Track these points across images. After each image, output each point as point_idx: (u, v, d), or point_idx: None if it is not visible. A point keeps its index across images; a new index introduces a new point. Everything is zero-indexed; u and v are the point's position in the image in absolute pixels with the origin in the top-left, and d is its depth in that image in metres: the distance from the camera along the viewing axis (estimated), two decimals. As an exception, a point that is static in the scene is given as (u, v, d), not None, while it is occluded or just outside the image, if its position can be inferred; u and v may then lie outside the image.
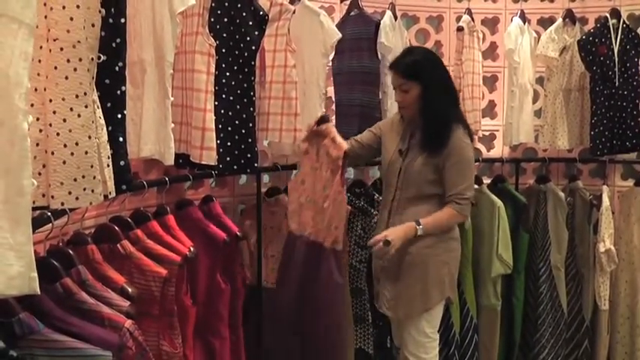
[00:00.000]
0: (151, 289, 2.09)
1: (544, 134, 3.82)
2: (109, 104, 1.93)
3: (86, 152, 1.57)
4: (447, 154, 2.69)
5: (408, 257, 2.75)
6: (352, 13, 3.42)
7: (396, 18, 3.47)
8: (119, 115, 1.97)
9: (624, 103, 3.71)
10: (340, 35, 3.18)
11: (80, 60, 1.55)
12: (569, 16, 3.82)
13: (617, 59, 3.67)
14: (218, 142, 2.67)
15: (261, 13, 2.70)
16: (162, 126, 2.40)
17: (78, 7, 1.55)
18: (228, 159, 2.73)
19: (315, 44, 3.13)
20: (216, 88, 2.66)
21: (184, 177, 2.77)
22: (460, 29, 3.54)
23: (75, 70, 1.54)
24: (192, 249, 2.36)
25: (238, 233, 2.73)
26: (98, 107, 1.69)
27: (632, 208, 3.78)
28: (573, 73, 3.80)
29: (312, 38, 3.12)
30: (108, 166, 1.70)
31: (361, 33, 3.38)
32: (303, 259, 2.89)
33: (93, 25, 1.61)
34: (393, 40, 3.38)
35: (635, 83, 3.72)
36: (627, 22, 3.74)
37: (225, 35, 2.69)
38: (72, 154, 1.55)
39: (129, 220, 2.30)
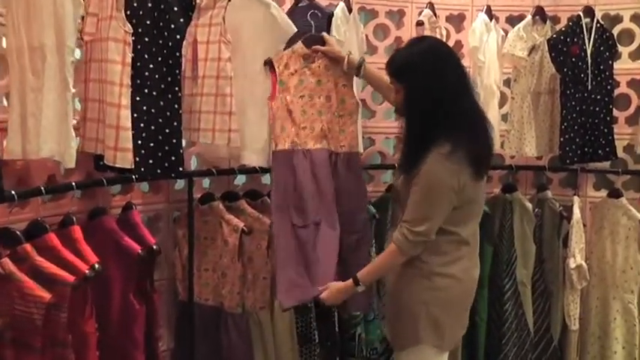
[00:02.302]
0: (32, 317, 1.79)
1: (510, 140, 3.59)
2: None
3: None
4: (416, 176, 2.27)
5: (387, 288, 2.49)
6: (301, 4, 3.13)
7: (350, 11, 3.19)
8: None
9: (597, 108, 3.51)
10: (296, 30, 2.89)
11: None
12: (540, 14, 3.59)
13: (589, 61, 3.47)
14: (140, 142, 2.42)
15: (187, -2, 2.43)
16: (63, 122, 2.12)
17: None
18: (151, 161, 2.46)
19: (263, 39, 2.82)
20: (138, 81, 2.41)
21: (97, 182, 2.47)
22: (420, 24, 3.28)
23: None
24: (96, 266, 2.05)
25: (154, 246, 2.42)
26: None
27: (604, 220, 3.57)
28: (543, 74, 3.57)
29: (261, 32, 2.81)
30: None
31: (313, 17, 3.09)
32: None
33: None
34: (345, 34, 3.10)
35: (608, 87, 3.53)
36: (601, 22, 3.52)
37: (149, 22, 2.42)
38: None
39: (18, 232, 1.98)
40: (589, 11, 3.50)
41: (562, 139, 3.47)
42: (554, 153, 3.63)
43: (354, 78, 2.92)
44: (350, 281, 2.41)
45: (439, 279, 2.34)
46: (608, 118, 3.53)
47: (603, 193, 3.67)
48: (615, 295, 3.52)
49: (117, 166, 2.32)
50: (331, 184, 2.75)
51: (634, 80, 3.67)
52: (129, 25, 2.30)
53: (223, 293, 2.87)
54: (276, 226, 2.69)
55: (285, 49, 2.82)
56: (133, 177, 2.52)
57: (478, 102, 2.39)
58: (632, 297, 3.48)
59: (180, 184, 3.10)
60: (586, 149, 3.52)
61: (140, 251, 2.33)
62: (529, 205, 3.55)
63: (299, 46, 2.78)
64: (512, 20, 3.74)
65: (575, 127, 3.46)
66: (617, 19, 3.70)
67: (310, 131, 2.77)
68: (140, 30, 2.38)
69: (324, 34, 2.87)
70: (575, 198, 3.57)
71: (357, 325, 3.33)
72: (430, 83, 2.28)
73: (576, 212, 3.50)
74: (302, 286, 2.62)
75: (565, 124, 3.46)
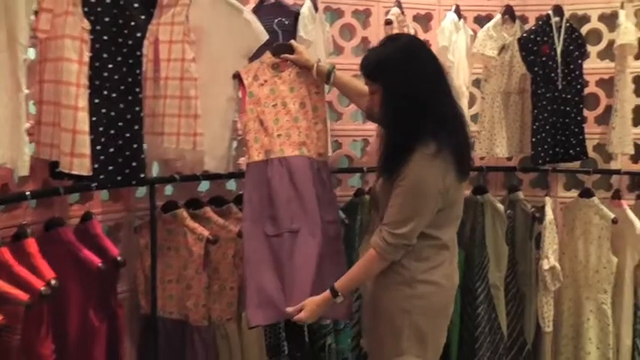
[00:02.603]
0: (-18, 340, 1.63)
1: (481, 141, 3.52)
2: None
3: None
4: (399, 178, 2.16)
5: (366, 296, 2.38)
6: (266, 3, 3.02)
7: (316, 9, 3.09)
8: None
9: (567, 108, 3.47)
10: (268, 36, 2.81)
11: None
12: (509, 13, 3.54)
13: (560, 60, 3.44)
14: (98, 147, 2.28)
15: (148, -7, 2.30)
16: (15, 126, 1.98)
17: None
18: (110, 168, 2.33)
19: (234, 44, 2.75)
20: (97, 82, 2.27)
21: (53, 190, 2.31)
22: (389, 22, 3.19)
23: None
24: (52, 282, 1.90)
25: (118, 258, 2.27)
26: None
27: (576, 220, 3.53)
28: (513, 74, 3.52)
29: (233, 36, 2.73)
30: None
31: (279, 25, 2.99)
32: None
33: None
34: (312, 33, 2.99)
35: (578, 87, 3.49)
36: (570, 22, 3.49)
37: (107, 19, 2.29)
38: None
39: (-35, 247, 1.82)
40: (558, 10, 3.45)
41: (534, 139, 3.42)
42: (525, 153, 3.59)
43: None
44: (327, 293, 2.28)
45: (422, 286, 2.24)
46: (578, 118, 3.49)
47: (574, 193, 3.63)
48: (588, 296, 3.48)
49: (74, 173, 2.18)
50: (313, 191, 2.62)
51: (602, 80, 3.65)
52: (86, 21, 2.16)
53: (188, 305, 2.74)
54: (246, 237, 2.56)
55: (252, 61, 2.74)
56: (92, 185, 2.38)
57: (456, 99, 2.31)
58: (606, 297, 3.44)
59: (141, 191, 2.96)
60: (557, 149, 3.47)
61: (100, 264, 2.18)
62: (500, 207, 3.48)
63: (267, 56, 2.72)
64: (481, 20, 3.70)
65: (547, 127, 3.42)
66: (585, 19, 3.68)
67: (286, 138, 2.67)
68: (98, 27, 2.25)
69: (293, 42, 2.76)
70: (547, 198, 3.52)
71: (328, 334, 3.22)
72: (407, 81, 2.18)
73: (549, 213, 3.45)
74: (275, 304, 2.48)
75: (537, 124, 3.41)
